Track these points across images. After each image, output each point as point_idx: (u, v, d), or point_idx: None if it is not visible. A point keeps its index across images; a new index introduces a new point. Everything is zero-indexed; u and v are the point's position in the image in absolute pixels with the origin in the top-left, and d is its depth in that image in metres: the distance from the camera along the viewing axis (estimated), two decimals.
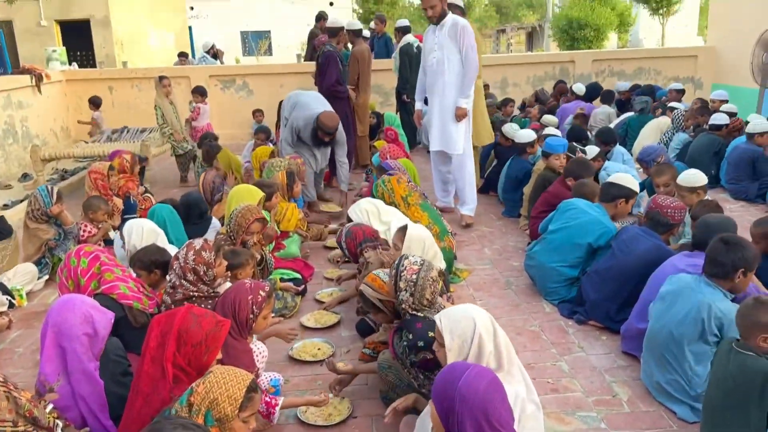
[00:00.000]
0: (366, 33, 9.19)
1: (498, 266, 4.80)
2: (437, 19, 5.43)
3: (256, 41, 33.47)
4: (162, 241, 3.80)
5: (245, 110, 10.24)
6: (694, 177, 4.32)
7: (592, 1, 28.53)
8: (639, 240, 3.58)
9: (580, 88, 8.94)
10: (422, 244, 3.47)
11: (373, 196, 4.64)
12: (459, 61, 5.43)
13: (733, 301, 2.79)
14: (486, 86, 8.67)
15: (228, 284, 3.33)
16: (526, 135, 5.97)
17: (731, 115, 7.00)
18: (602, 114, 8.54)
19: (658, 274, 3.26)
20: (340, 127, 6.11)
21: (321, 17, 9.50)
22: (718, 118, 6.84)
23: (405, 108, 9.05)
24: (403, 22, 9.34)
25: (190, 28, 25.35)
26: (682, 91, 8.75)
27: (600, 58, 11.38)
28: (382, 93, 10.53)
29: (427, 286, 2.70)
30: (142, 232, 3.77)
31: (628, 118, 8.12)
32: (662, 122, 7.47)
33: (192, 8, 32.06)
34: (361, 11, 36.73)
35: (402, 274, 2.71)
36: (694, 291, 2.85)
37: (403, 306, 2.69)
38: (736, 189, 6.34)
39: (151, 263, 3.39)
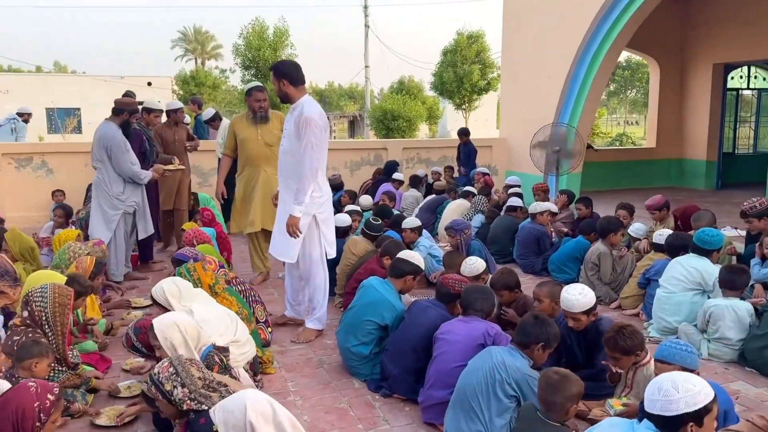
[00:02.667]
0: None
1: (312, 346, 4.81)
2: (286, 100, 4.48)
3: (62, 118, 31.29)
4: None
5: (44, 191, 9.42)
6: (474, 266, 4.74)
7: (404, 95, 31.12)
8: (427, 311, 3.84)
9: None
10: (177, 329, 3.12)
11: None
12: (299, 156, 4.41)
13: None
14: None
15: (3, 383, 2.95)
16: (343, 219, 6.28)
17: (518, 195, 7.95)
18: (411, 197, 9.26)
19: (440, 343, 3.53)
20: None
21: (128, 95, 9.21)
22: (513, 202, 7.76)
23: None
24: (209, 113, 9.48)
25: None
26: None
27: (409, 146, 12.32)
28: (200, 173, 10.34)
29: (190, 367, 2.59)
30: None
31: (442, 200, 8.78)
32: (461, 204, 8.26)
33: None
34: (181, 92, 36.28)
35: (161, 382, 2.54)
36: (495, 352, 3.14)
37: (184, 407, 2.52)
38: (524, 264, 7.05)
39: None
